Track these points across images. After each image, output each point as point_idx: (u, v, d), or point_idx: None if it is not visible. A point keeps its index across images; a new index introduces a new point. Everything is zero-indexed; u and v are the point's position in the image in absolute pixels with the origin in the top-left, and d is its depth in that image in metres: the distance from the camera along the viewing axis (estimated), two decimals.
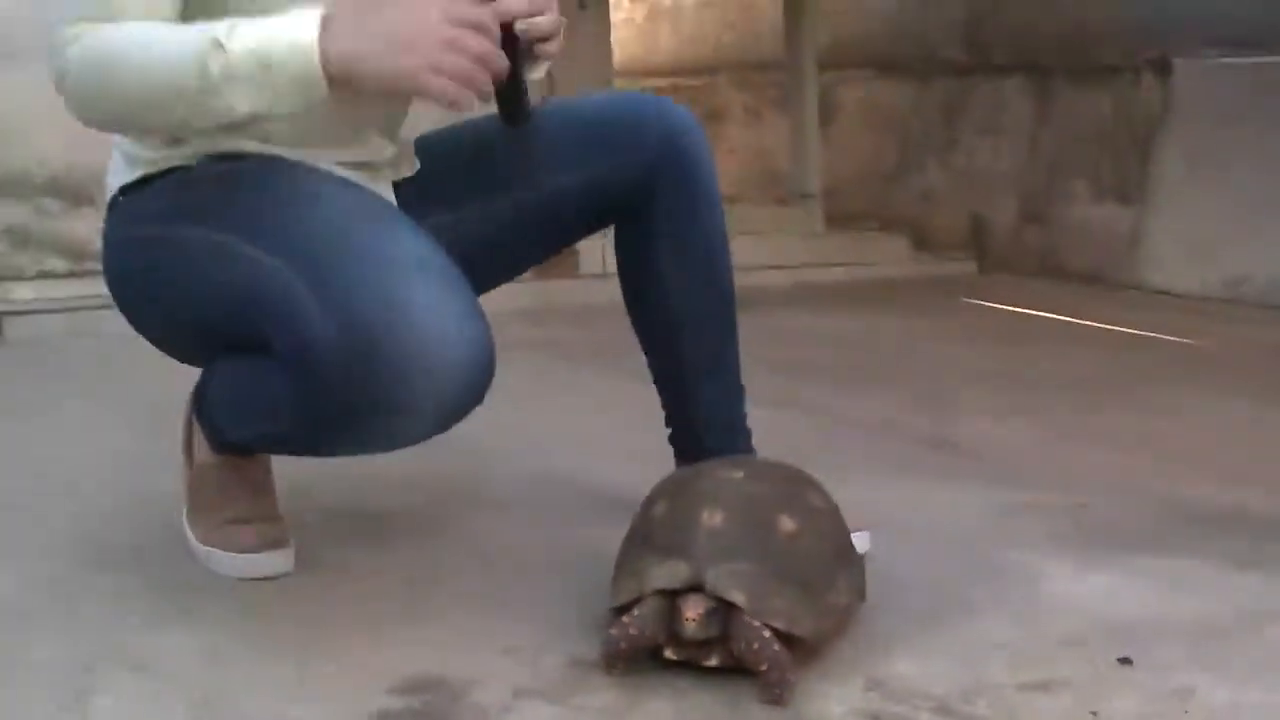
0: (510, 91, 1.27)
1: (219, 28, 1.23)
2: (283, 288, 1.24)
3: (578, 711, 1.18)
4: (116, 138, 1.52)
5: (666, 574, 1.18)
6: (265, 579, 1.50)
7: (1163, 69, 7.78)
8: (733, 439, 1.68)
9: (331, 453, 1.43)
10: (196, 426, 1.60)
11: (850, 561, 1.35)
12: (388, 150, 1.56)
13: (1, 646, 1.35)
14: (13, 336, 3.41)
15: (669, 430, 1.71)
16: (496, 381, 1.28)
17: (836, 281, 6.64)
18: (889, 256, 7.92)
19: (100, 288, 4.05)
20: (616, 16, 7.92)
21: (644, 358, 1.72)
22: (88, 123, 1.37)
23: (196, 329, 1.47)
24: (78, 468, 2.15)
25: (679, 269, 1.62)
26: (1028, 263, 8.48)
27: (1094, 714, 1.22)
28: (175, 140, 1.44)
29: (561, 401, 2.57)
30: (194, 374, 1.59)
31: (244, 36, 1.21)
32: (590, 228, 1.64)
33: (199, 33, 1.24)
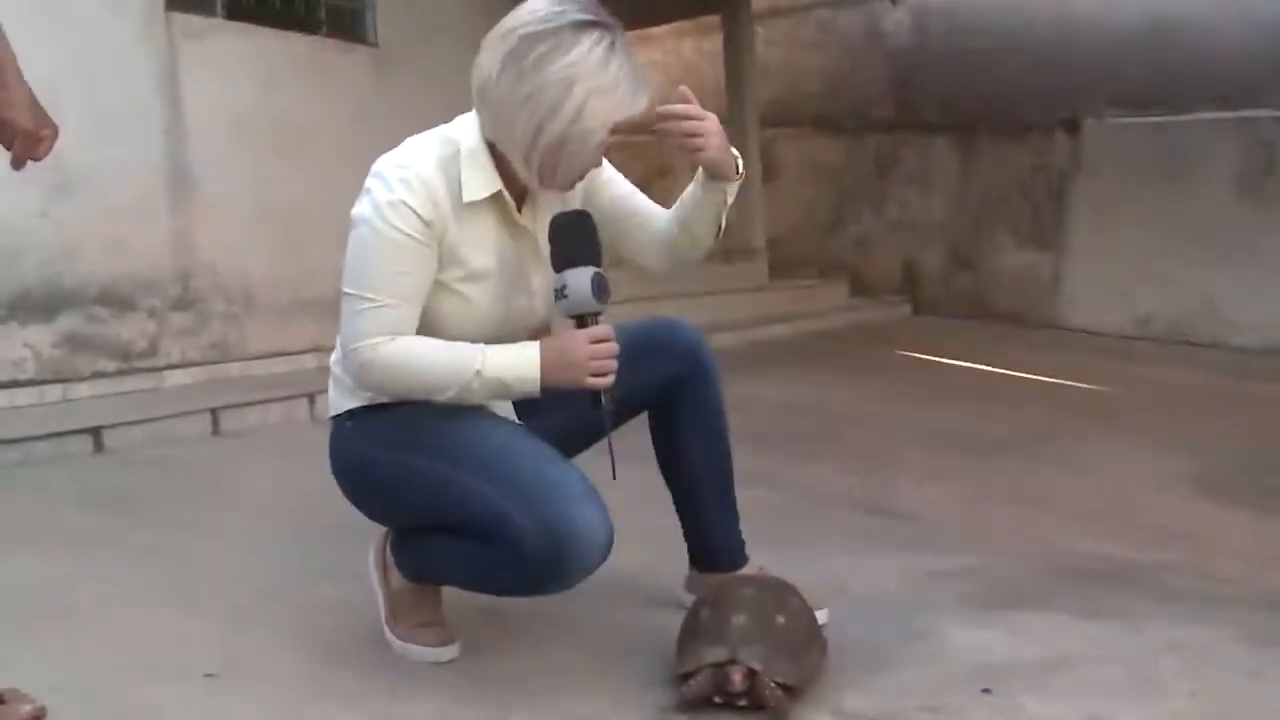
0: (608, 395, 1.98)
1: (476, 359, 1.91)
2: (496, 508, 1.88)
3: None
4: (336, 371, 2.09)
5: (715, 654, 1.87)
6: (444, 663, 2.11)
7: (1073, 127, 8.47)
8: (733, 553, 2.33)
9: (506, 596, 2.08)
10: (390, 562, 2.17)
11: (818, 637, 2.02)
12: None
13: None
14: (110, 446, 3.88)
15: (687, 543, 2.36)
16: None
17: (783, 338, 7.23)
18: (830, 305, 8.51)
19: (148, 383, 4.58)
20: None
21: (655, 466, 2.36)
22: (373, 391, 1.99)
23: (415, 518, 2.09)
24: (255, 577, 2.62)
25: (697, 443, 2.27)
26: (957, 305, 9.13)
27: None
28: None
29: None
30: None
31: (492, 368, 1.92)
32: (635, 414, 2.26)
33: (464, 362, 1.91)
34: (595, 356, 1.92)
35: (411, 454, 1.99)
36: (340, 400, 2.10)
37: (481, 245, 1.99)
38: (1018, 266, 8.88)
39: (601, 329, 1.95)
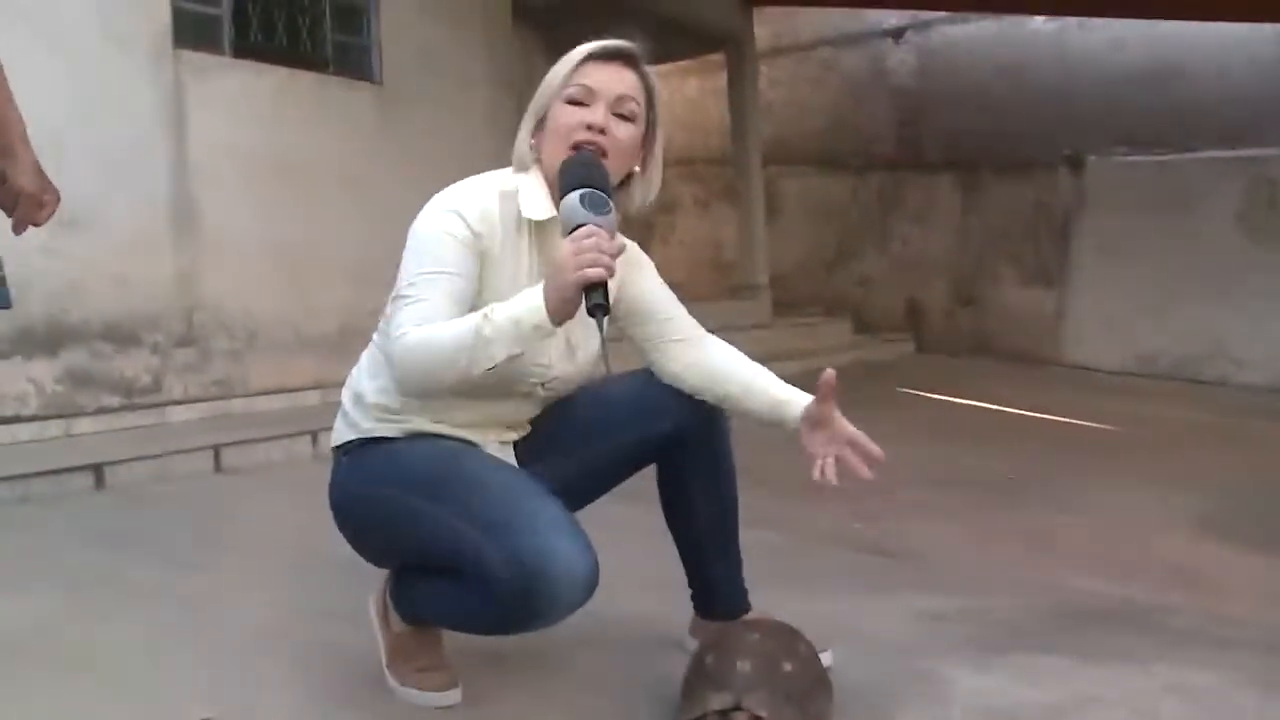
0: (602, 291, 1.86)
1: (481, 311, 1.87)
2: (475, 546, 1.84)
3: None
4: (345, 401, 2.10)
5: (720, 699, 1.86)
6: (445, 707, 2.08)
7: (1077, 165, 8.50)
8: (736, 600, 2.31)
9: (493, 635, 2.07)
10: (390, 605, 2.16)
11: (824, 683, 2.00)
12: (522, 429, 2.20)
13: None
14: (111, 483, 3.88)
15: (690, 590, 2.34)
16: None
17: (786, 375, 6.99)
18: (833, 342, 8.53)
19: (151, 419, 4.59)
20: None
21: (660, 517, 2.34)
22: (406, 389, 1.98)
23: (401, 556, 2.08)
24: (256, 617, 2.61)
25: (705, 494, 2.24)
26: (961, 342, 9.14)
27: None
28: (384, 418, 2.04)
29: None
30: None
31: (500, 309, 1.86)
32: (640, 466, 2.24)
33: (473, 317, 1.87)
34: (580, 251, 1.80)
35: (393, 489, 1.98)
36: (341, 432, 2.11)
37: (516, 280, 2.00)
38: (1021, 304, 8.90)
39: (584, 229, 1.83)
